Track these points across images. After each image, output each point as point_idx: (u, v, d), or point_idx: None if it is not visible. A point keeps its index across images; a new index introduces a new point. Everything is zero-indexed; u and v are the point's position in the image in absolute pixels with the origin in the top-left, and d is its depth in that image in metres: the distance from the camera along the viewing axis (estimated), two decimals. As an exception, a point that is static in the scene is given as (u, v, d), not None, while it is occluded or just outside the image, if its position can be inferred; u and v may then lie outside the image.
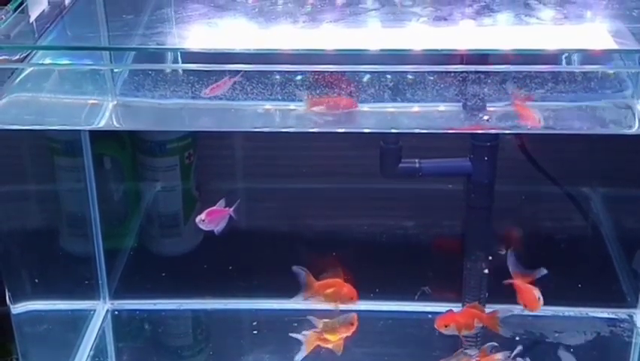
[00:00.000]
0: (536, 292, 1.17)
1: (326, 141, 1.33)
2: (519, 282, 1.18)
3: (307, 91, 1.03)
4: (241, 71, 1.05)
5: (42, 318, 1.26)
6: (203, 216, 1.22)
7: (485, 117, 1.07)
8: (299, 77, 1.03)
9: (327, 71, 1.02)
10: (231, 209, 1.24)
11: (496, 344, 1.19)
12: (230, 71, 1.03)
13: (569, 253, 1.40)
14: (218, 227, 1.23)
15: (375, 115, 1.07)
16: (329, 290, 1.21)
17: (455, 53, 1.04)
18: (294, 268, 1.20)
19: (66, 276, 1.34)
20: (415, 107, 1.06)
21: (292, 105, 1.06)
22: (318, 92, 1.04)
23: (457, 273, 1.35)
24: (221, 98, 1.05)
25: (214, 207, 1.23)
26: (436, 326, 1.17)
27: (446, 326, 1.17)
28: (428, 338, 1.27)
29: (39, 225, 1.33)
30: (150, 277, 1.24)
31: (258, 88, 1.04)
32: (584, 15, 1.16)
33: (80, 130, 1.28)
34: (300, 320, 1.36)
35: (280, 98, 1.05)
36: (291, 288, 1.38)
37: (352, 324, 1.20)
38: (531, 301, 1.17)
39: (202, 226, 1.22)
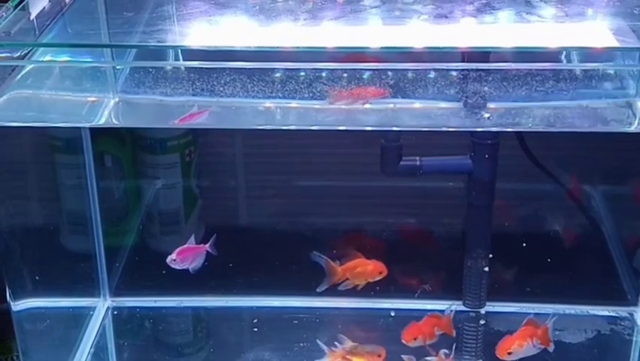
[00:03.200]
0: (516, 345, 1.16)
1: (327, 139, 1.33)
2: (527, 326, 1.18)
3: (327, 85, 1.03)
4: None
5: (42, 315, 1.26)
6: (174, 255, 1.20)
7: (486, 115, 1.06)
8: (302, 74, 1.04)
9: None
10: (207, 245, 1.22)
11: (447, 351, 1.20)
12: (230, 70, 1.03)
13: (569, 250, 1.41)
14: (192, 265, 1.22)
15: (376, 112, 1.07)
16: (356, 270, 1.20)
17: (456, 50, 1.04)
18: (313, 256, 1.19)
19: (67, 273, 1.34)
20: (416, 105, 1.06)
21: (294, 103, 1.06)
22: (319, 88, 1.04)
23: (458, 271, 1.35)
24: (222, 96, 1.05)
25: (185, 246, 1.22)
26: (403, 340, 1.17)
27: (415, 339, 1.17)
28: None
29: (39, 222, 1.33)
30: (151, 274, 1.25)
31: (258, 85, 1.04)
32: (585, 13, 1.16)
33: (80, 127, 1.28)
34: (301, 317, 1.36)
35: (281, 95, 1.04)
36: (291, 285, 1.38)
37: (379, 356, 1.20)
38: (501, 348, 1.17)
39: (174, 266, 1.20)
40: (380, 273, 1.21)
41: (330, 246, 1.32)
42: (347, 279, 1.21)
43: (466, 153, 1.27)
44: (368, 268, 1.21)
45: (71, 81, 1.08)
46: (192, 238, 1.22)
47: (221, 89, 1.04)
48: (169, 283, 1.34)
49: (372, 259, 1.22)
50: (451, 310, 1.22)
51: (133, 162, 1.41)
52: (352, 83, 1.03)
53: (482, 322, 1.34)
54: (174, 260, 1.20)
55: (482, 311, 1.35)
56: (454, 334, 1.21)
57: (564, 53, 1.08)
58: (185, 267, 1.21)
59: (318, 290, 1.21)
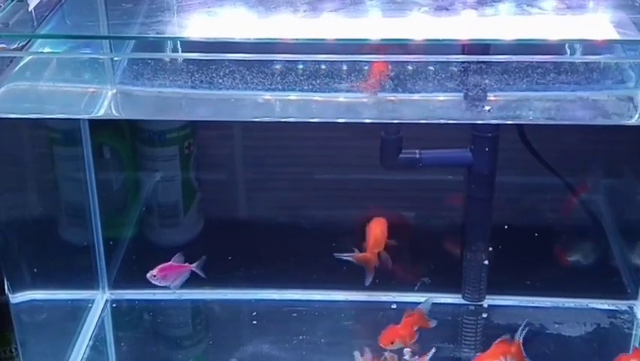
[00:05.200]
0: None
1: (326, 131, 1.32)
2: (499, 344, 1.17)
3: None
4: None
5: (41, 308, 1.26)
6: (154, 271, 1.19)
7: (487, 108, 1.06)
8: (300, 67, 1.03)
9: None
10: (193, 265, 1.22)
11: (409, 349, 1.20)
12: (230, 61, 1.02)
13: (569, 244, 1.40)
14: (175, 283, 1.21)
15: (375, 105, 1.07)
16: (378, 239, 1.21)
17: (456, 42, 1.04)
18: (338, 257, 1.20)
19: (65, 266, 1.34)
20: (416, 97, 1.06)
21: (292, 95, 1.05)
22: (318, 81, 1.04)
23: (457, 264, 1.35)
24: (220, 88, 1.05)
25: (169, 263, 1.21)
26: (381, 345, 1.17)
27: (392, 343, 1.17)
28: (427, 329, 1.27)
29: (38, 214, 1.32)
30: (149, 267, 1.24)
31: (257, 78, 1.04)
32: (586, 5, 1.16)
33: (79, 119, 1.28)
34: (300, 310, 1.36)
35: (280, 87, 1.04)
36: (290, 278, 1.38)
37: None
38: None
39: (154, 282, 1.19)
40: (386, 223, 1.21)
41: (329, 241, 1.33)
42: (382, 251, 1.20)
43: (466, 145, 1.27)
44: (382, 229, 1.21)
45: (70, 73, 1.08)
46: (179, 256, 1.22)
47: (220, 81, 1.04)
48: (168, 275, 1.34)
49: (374, 221, 1.22)
50: (427, 303, 1.21)
51: (132, 154, 1.40)
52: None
53: (484, 315, 1.34)
54: (154, 276, 1.20)
55: (484, 305, 1.35)
56: (429, 325, 1.20)
57: (565, 45, 1.08)
58: (166, 284, 1.21)
59: (366, 285, 1.22)
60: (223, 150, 1.46)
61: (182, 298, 1.39)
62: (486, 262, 1.33)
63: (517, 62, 1.02)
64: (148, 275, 1.19)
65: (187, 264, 1.22)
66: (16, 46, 1.00)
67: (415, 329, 1.19)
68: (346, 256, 1.21)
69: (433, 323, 1.21)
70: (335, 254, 1.20)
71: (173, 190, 1.41)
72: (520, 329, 1.16)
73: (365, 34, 1.07)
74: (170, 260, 1.23)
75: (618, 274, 1.38)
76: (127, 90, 1.09)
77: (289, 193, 1.43)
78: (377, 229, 1.22)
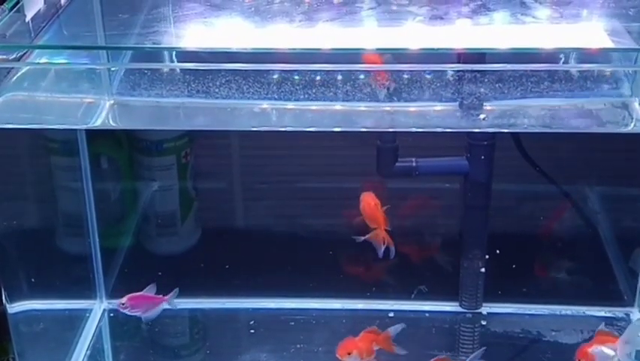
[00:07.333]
0: None
1: (323, 140, 1.33)
2: None
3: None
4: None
5: (39, 318, 1.26)
6: (123, 300, 1.18)
7: (482, 116, 1.07)
8: (296, 76, 1.04)
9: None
10: (167, 297, 1.22)
11: None
12: (227, 71, 1.03)
13: (566, 251, 1.41)
14: (146, 315, 1.19)
15: (371, 114, 1.07)
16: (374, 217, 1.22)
17: (451, 51, 1.04)
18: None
19: (63, 275, 1.34)
20: (412, 106, 1.06)
21: (289, 105, 1.06)
22: (314, 90, 1.04)
23: (454, 272, 1.35)
24: (217, 98, 1.05)
25: (140, 293, 1.20)
26: (338, 356, 1.16)
27: (349, 354, 1.16)
28: (425, 337, 1.27)
29: (36, 224, 1.33)
30: (147, 276, 1.24)
31: (254, 87, 1.04)
32: (580, 14, 1.16)
33: (76, 129, 1.28)
34: (297, 318, 1.36)
35: (276, 97, 1.05)
36: (288, 287, 1.38)
37: None
38: None
39: (125, 311, 1.18)
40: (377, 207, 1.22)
41: (326, 249, 1.33)
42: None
43: (462, 154, 1.27)
44: (378, 212, 1.22)
45: (67, 83, 1.08)
46: (153, 286, 1.22)
47: (217, 90, 1.04)
48: (165, 285, 1.34)
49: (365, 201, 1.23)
50: (396, 328, 1.20)
51: (129, 163, 1.40)
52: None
53: (483, 322, 1.34)
54: (123, 304, 1.18)
55: (482, 312, 1.35)
56: (394, 350, 1.20)
57: (560, 54, 1.08)
58: (136, 314, 1.20)
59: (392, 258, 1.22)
60: (220, 159, 1.46)
61: (179, 307, 1.39)
62: (483, 269, 1.33)
63: (512, 70, 1.02)
64: (117, 303, 1.19)
65: (161, 296, 1.22)
66: (13, 56, 1.00)
67: (375, 347, 1.18)
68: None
69: (399, 350, 1.19)
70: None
71: (170, 199, 1.42)
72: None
73: (361, 43, 1.07)
74: (168, 267, 1.23)
75: (615, 281, 1.38)
76: (124, 100, 1.10)
77: (286, 202, 1.44)
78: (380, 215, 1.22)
